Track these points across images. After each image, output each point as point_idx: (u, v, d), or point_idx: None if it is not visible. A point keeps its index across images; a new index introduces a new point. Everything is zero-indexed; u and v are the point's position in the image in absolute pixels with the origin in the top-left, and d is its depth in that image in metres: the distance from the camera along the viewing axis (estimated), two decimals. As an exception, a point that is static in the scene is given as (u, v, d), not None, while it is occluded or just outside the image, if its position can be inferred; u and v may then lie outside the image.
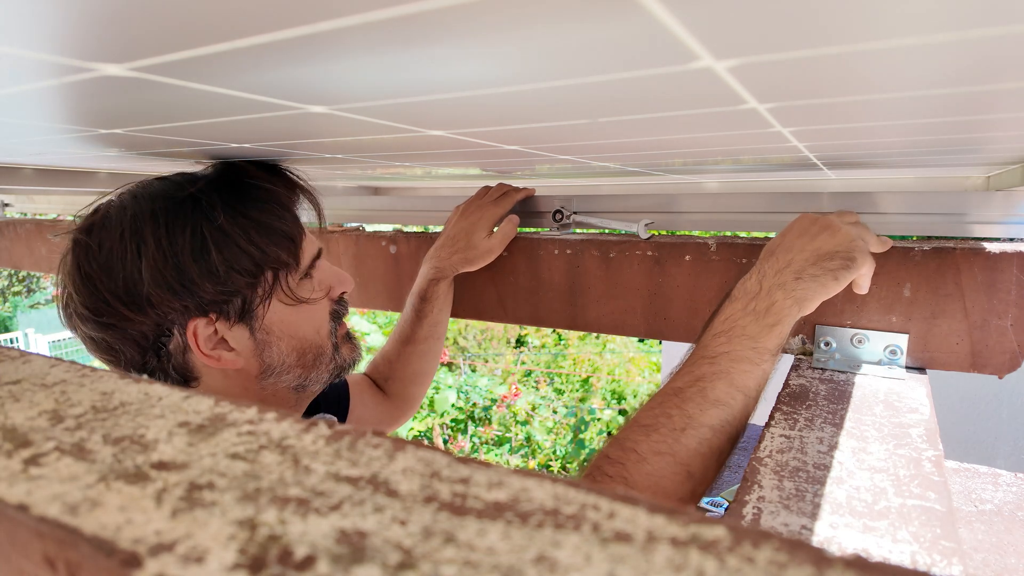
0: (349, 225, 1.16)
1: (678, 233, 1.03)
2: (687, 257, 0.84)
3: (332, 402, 0.91)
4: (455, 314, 1.04)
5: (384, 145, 0.53)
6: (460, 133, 0.42)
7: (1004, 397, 2.13)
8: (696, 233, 1.07)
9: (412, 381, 1.00)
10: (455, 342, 6.04)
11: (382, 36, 0.22)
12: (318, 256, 0.69)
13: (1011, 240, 0.76)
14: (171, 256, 0.57)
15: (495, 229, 0.95)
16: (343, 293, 0.72)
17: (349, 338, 0.74)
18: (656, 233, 0.90)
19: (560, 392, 5.43)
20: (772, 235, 0.94)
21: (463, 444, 4.53)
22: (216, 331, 0.61)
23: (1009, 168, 0.80)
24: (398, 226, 1.19)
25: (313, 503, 0.20)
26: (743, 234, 0.94)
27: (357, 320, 4.45)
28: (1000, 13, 0.19)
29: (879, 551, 0.43)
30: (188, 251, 0.57)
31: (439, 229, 1.27)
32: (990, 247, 0.70)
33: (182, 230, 0.58)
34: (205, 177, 0.64)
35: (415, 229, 1.16)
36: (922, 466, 0.52)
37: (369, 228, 1.13)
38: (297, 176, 0.71)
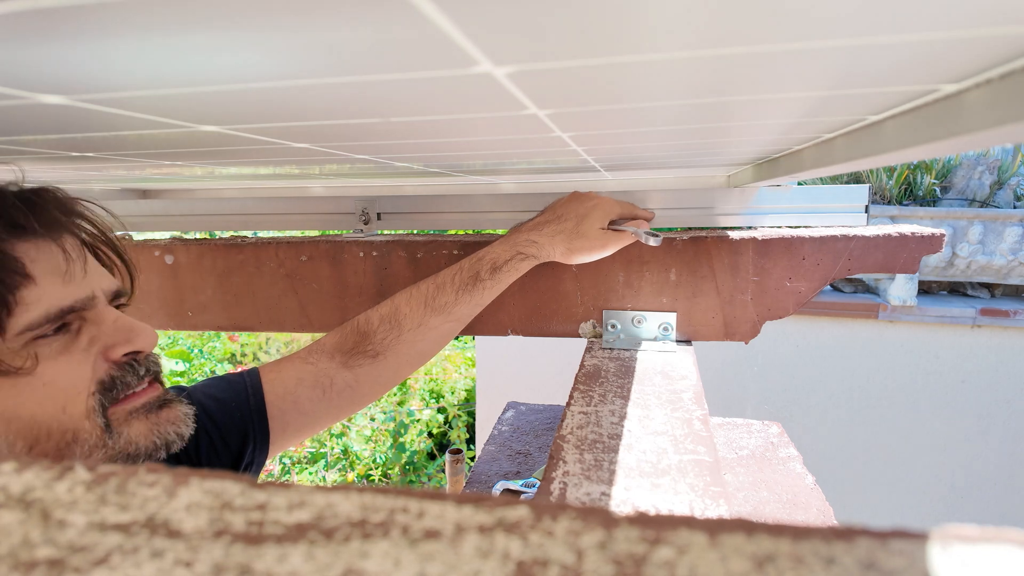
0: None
1: (483, 232, 1.07)
2: (489, 254, 0.87)
3: (238, 431, 0.70)
4: (247, 327, 0.95)
5: (147, 142, 0.46)
6: (238, 129, 0.39)
7: (752, 359, 2.58)
8: (499, 232, 1.11)
9: (409, 362, 0.79)
10: (255, 358, 5.58)
11: (127, 16, 0.19)
12: (81, 306, 0.53)
13: (748, 228, 0.92)
14: None
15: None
16: (133, 353, 0.55)
17: (153, 409, 0.56)
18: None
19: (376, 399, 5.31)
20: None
21: (271, 468, 4.21)
22: None
23: (743, 168, 0.96)
24: (176, 233, 1.06)
25: (71, 561, 0.17)
26: (539, 230, 1.01)
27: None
28: (725, 36, 0.23)
29: (665, 504, 0.49)
30: None
31: (226, 235, 1.16)
32: (732, 235, 0.84)
33: None
34: None
35: (197, 235, 1.04)
36: (693, 425, 0.60)
37: (138, 237, 0.99)
38: (27, 213, 0.52)
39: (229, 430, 0.70)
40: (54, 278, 0.51)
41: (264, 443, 0.72)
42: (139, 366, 0.56)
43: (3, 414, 0.50)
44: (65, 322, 0.52)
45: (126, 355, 0.55)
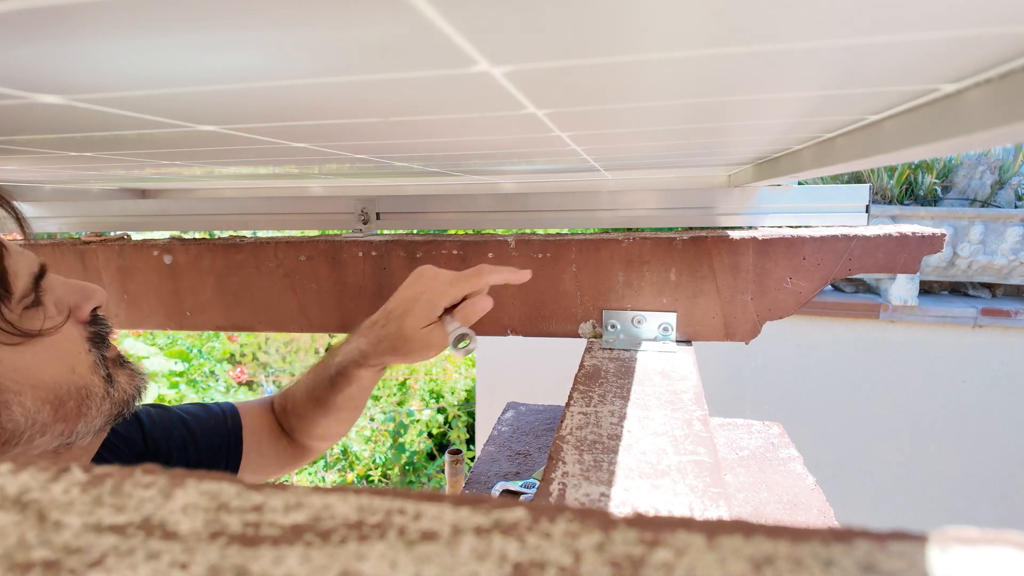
0: (112, 234, 1.01)
1: (483, 232, 1.07)
2: (489, 254, 0.87)
3: (216, 452, 0.75)
4: (247, 327, 0.96)
5: (147, 142, 0.46)
6: (237, 129, 0.39)
7: (753, 359, 2.58)
8: (499, 232, 1.11)
9: (323, 438, 0.83)
10: (254, 358, 5.58)
11: (126, 15, 0.19)
12: (41, 274, 0.54)
13: (749, 228, 0.92)
14: None
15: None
16: (96, 309, 0.58)
17: (122, 362, 0.60)
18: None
19: (377, 399, 5.31)
20: (564, 231, 1.02)
21: (273, 466, 4.21)
22: None
23: (744, 167, 0.96)
24: (175, 233, 1.06)
25: (66, 563, 0.17)
26: (539, 231, 1.01)
27: (131, 343, 3.89)
28: (725, 36, 0.23)
29: (665, 505, 0.48)
30: None
31: (225, 234, 1.16)
32: (733, 234, 0.83)
33: None
34: None
35: (196, 235, 1.04)
36: (693, 425, 0.60)
37: (137, 236, 0.99)
38: None
39: (206, 445, 0.75)
40: (14, 248, 0.52)
41: (236, 468, 0.77)
42: (103, 318, 0.59)
43: (28, 382, 0.50)
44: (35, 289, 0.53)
45: (94, 310, 0.58)
